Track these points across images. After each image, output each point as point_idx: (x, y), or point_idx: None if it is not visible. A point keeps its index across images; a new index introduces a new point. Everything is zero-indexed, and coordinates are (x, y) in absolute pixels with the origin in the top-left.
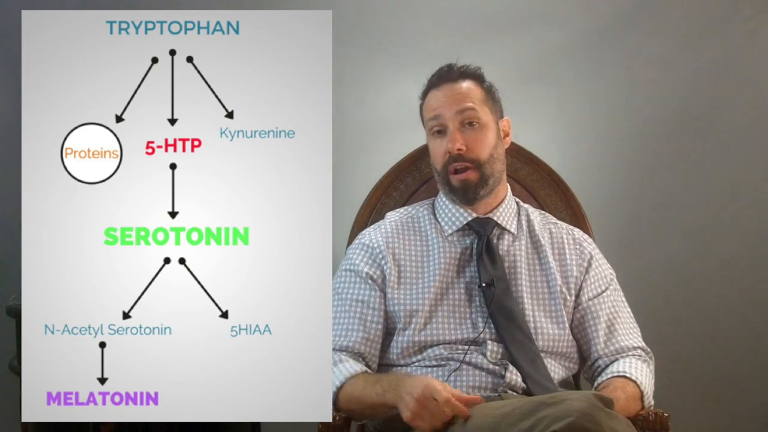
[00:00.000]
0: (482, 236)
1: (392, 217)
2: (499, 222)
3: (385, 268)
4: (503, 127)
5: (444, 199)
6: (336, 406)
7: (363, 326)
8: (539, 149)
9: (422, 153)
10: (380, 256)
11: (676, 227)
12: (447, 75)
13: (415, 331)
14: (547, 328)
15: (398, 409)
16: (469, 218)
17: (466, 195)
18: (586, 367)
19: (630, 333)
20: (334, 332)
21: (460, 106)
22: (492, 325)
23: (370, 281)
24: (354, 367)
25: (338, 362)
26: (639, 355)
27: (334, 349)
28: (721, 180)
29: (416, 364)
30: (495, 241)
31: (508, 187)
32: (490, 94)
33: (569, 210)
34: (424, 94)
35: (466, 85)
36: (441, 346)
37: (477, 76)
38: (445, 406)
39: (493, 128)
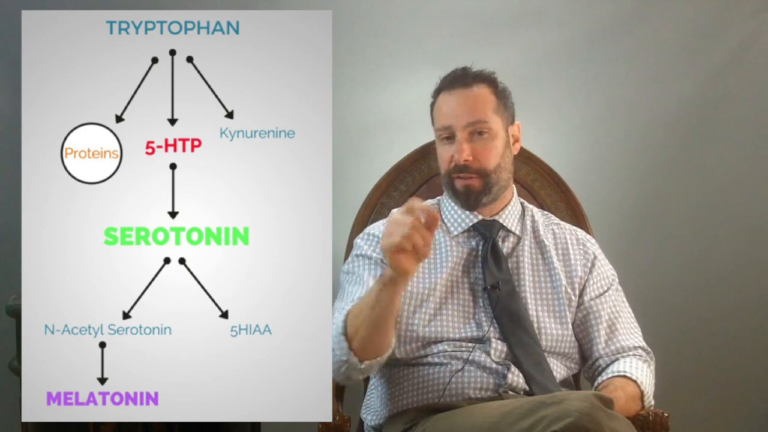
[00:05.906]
0: (488, 239)
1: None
2: (504, 224)
3: None
4: (513, 133)
5: (449, 200)
6: (350, 347)
7: None
8: (539, 149)
9: (423, 153)
10: None
11: (676, 228)
12: (461, 78)
13: (420, 326)
14: (551, 328)
15: (391, 267)
16: (475, 220)
17: (468, 201)
18: (587, 366)
19: (631, 333)
20: (345, 304)
21: (471, 118)
22: (497, 327)
23: (383, 264)
24: (347, 306)
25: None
26: (640, 355)
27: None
28: (722, 180)
29: (419, 360)
30: (500, 243)
31: (514, 188)
32: (503, 100)
33: (569, 210)
34: (436, 94)
35: (480, 91)
36: (445, 342)
37: (491, 81)
38: (410, 214)
39: (503, 136)
